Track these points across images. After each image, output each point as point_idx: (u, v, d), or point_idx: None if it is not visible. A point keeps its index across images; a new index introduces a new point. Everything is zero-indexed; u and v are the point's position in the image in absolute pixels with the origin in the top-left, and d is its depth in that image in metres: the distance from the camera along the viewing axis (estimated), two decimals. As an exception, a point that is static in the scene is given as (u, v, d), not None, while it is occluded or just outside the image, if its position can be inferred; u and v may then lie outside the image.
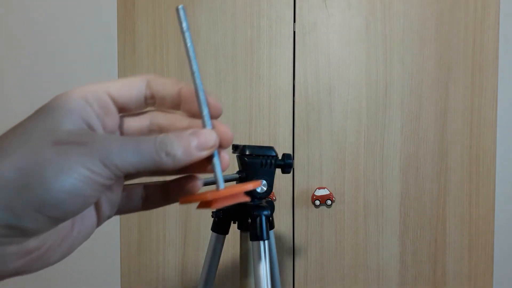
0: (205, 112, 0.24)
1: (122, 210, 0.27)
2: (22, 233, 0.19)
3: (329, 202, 1.14)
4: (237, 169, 0.71)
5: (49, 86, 1.17)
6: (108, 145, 0.20)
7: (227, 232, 0.77)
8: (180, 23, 0.25)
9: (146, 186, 0.28)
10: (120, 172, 0.21)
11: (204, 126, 0.24)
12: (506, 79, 1.16)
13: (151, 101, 0.26)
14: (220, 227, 0.76)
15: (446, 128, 1.16)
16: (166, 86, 0.25)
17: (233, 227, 0.76)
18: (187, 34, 0.25)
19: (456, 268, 1.17)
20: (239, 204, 0.73)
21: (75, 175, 0.19)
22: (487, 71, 1.16)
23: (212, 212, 0.75)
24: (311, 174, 1.16)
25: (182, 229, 1.17)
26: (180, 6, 0.25)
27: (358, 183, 1.16)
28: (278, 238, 1.15)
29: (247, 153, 0.69)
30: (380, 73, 1.15)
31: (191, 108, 0.26)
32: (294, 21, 1.15)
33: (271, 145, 0.73)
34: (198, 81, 0.24)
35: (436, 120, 1.16)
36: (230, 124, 1.15)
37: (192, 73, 0.25)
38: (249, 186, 0.25)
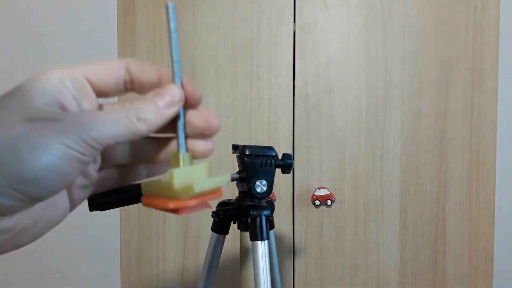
0: (176, 68, 0.24)
1: (99, 190, 0.27)
2: None
3: (329, 202, 1.14)
4: (237, 169, 0.71)
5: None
6: (82, 119, 0.20)
7: (227, 232, 0.77)
8: (168, 22, 0.24)
9: (120, 165, 0.27)
10: (98, 145, 0.20)
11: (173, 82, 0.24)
12: (506, 79, 1.16)
13: (130, 86, 0.25)
14: (220, 227, 0.76)
15: (446, 128, 1.16)
16: (146, 71, 0.25)
17: (233, 227, 0.76)
18: (173, 25, 0.24)
19: (456, 268, 1.17)
20: (239, 204, 0.73)
21: (52, 151, 0.19)
22: (487, 71, 1.16)
23: (212, 212, 0.75)
24: (311, 174, 1.16)
25: (182, 229, 1.17)
26: (170, 4, 0.24)
27: (358, 183, 1.16)
28: (278, 238, 1.15)
29: (247, 153, 0.69)
30: (380, 73, 1.15)
31: None
32: (294, 21, 1.15)
33: (271, 145, 0.73)
34: (173, 40, 0.24)
35: (436, 120, 1.16)
36: (230, 124, 1.15)
37: (169, 36, 0.24)
38: (211, 196, 0.25)
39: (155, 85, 0.25)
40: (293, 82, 1.16)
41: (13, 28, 1.17)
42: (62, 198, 0.24)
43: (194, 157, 0.25)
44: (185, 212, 0.24)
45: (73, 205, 0.25)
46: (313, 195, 1.13)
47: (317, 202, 1.13)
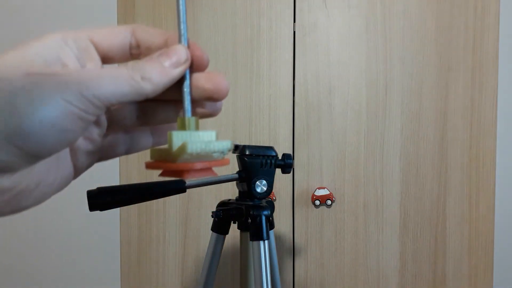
0: (183, 28, 0.24)
1: (104, 158, 0.26)
2: None
3: (329, 202, 1.14)
4: (237, 169, 0.71)
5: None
6: (84, 75, 0.19)
7: (227, 232, 0.77)
8: (178, 12, 0.24)
9: (130, 130, 0.27)
10: (100, 103, 0.20)
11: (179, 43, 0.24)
12: (506, 79, 1.16)
13: (136, 51, 0.25)
14: (220, 227, 0.76)
15: (446, 128, 1.16)
16: (153, 35, 0.24)
17: (233, 227, 0.76)
18: None
19: (456, 268, 1.17)
20: (239, 204, 0.73)
21: (51, 105, 0.18)
22: (487, 71, 1.16)
23: (212, 212, 0.75)
24: (311, 174, 1.16)
25: (182, 229, 1.17)
26: None
27: (358, 183, 1.16)
28: (278, 238, 1.15)
29: (247, 153, 0.69)
30: (380, 73, 1.15)
31: None
32: (294, 21, 1.15)
33: (271, 145, 0.73)
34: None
35: (436, 120, 1.16)
36: (230, 124, 1.15)
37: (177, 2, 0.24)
38: (217, 163, 0.24)
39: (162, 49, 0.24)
40: (293, 82, 1.16)
41: (12, 29, 1.17)
42: (65, 161, 0.23)
43: (202, 117, 0.24)
44: (187, 175, 0.23)
45: (77, 171, 0.25)
46: (313, 195, 1.13)
47: (317, 202, 1.13)
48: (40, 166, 0.21)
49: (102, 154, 0.26)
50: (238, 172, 0.69)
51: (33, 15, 1.17)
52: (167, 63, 0.22)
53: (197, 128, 0.24)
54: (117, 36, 0.24)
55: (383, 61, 1.15)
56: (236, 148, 0.71)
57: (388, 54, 1.15)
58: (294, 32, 1.15)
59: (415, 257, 1.17)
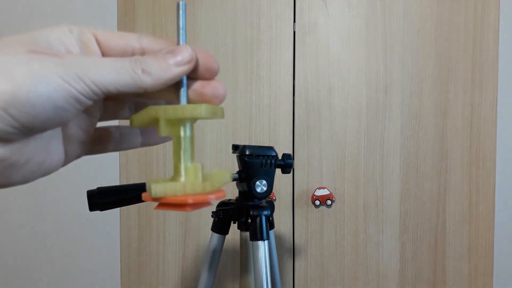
0: (181, 26, 0.24)
1: (94, 151, 0.27)
2: None
3: (329, 202, 1.14)
4: (237, 169, 0.71)
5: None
6: (84, 60, 0.20)
7: (227, 232, 0.77)
8: (178, 20, 0.25)
9: (121, 127, 0.28)
10: (98, 90, 0.20)
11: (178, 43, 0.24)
12: (506, 79, 1.16)
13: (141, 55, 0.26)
14: (220, 227, 0.76)
15: (446, 128, 1.16)
16: (158, 42, 0.25)
17: (233, 227, 0.76)
18: (182, 26, 0.25)
19: (456, 268, 1.17)
20: (239, 204, 0.73)
21: (48, 81, 0.19)
22: (487, 71, 1.16)
23: (212, 212, 0.75)
24: (311, 174, 1.16)
25: (182, 229, 1.17)
26: (181, 2, 0.25)
27: (358, 183, 1.16)
28: (278, 238, 1.15)
29: (247, 153, 0.69)
30: (380, 73, 1.15)
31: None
32: (294, 21, 1.15)
33: (271, 145, 0.73)
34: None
35: (436, 120, 1.16)
36: (230, 124, 1.15)
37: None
38: (212, 196, 0.24)
39: None
40: (293, 82, 1.16)
41: (13, 28, 1.17)
42: (57, 145, 0.24)
43: (206, 101, 0.25)
44: (194, 208, 0.24)
45: (67, 159, 0.25)
46: (313, 195, 1.13)
47: (317, 202, 1.13)
48: (33, 143, 0.22)
49: (92, 147, 0.27)
50: (238, 172, 0.69)
51: (33, 16, 1.17)
52: (171, 61, 0.22)
53: (192, 156, 0.25)
54: (122, 38, 0.24)
55: (383, 61, 1.15)
56: (236, 148, 0.71)
57: (388, 54, 1.15)
58: (294, 32, 1.15)
59: (415, 257, 1.17)
